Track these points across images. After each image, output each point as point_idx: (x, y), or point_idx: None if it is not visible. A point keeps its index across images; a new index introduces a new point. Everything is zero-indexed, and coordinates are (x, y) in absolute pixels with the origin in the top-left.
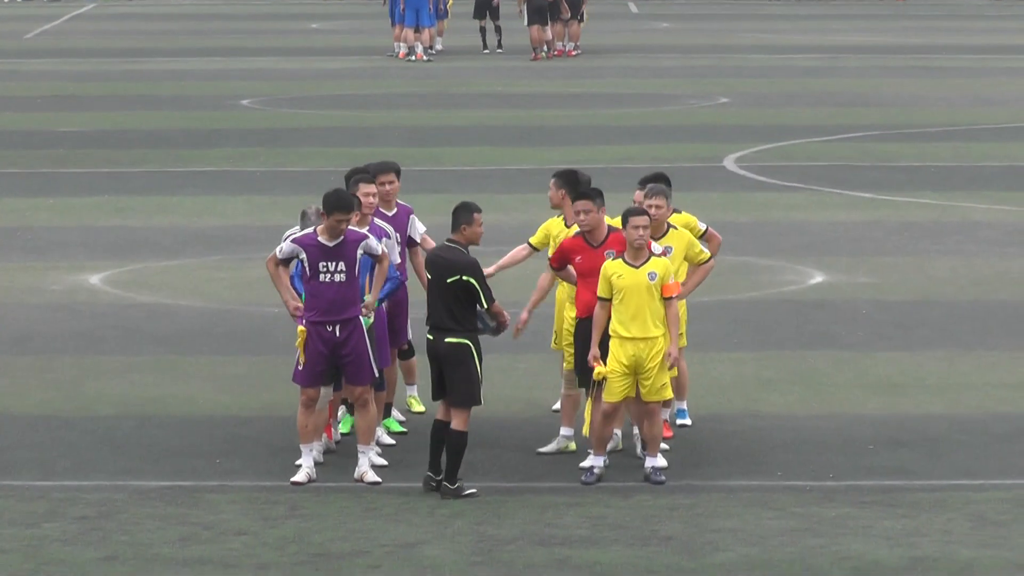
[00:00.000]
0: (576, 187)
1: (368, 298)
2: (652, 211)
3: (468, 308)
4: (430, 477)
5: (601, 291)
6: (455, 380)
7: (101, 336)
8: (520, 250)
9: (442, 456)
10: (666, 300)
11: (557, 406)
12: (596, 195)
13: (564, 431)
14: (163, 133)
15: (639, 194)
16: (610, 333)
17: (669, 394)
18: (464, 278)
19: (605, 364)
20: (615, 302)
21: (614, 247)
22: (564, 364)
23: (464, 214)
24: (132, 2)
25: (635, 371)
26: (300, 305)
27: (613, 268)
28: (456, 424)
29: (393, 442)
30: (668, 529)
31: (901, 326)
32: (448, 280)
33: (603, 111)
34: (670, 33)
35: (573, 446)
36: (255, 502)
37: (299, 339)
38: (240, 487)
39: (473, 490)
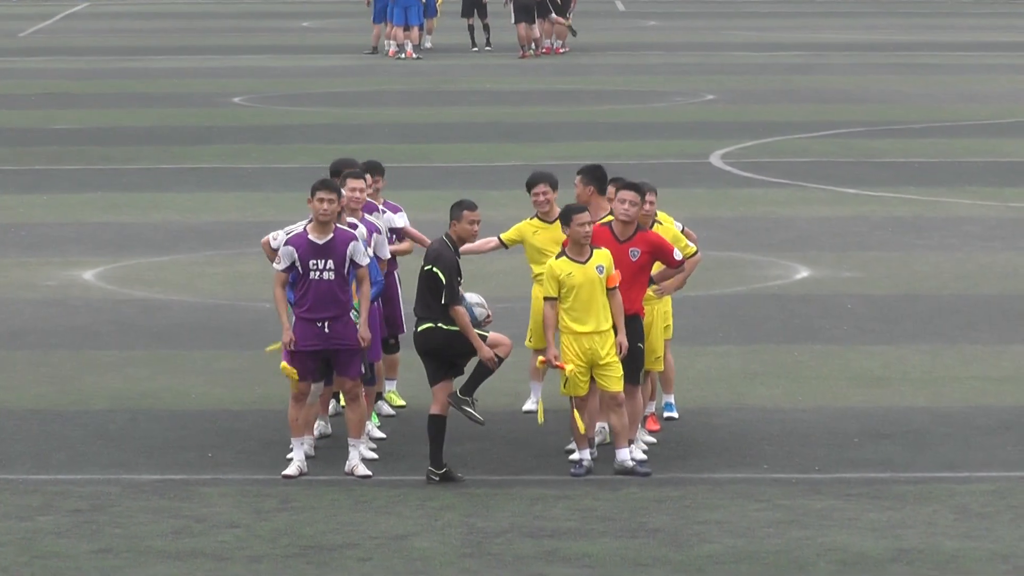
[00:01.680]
0: (604, 182)
1: (361, 328)
2: (647, 207)
3: (432, 297)
4: (432, 472)
5: (550, 291)
6: (451, 357)
7: (95, 331)
8: (488, 241)
9: (443, 450)
10: (609, 291)
11: (527, 407)
12: (639, 190)
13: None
14: (156, 130)
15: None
16: (562, 330)
17: (620, 386)
18: (433, 269)
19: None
20: (568, 301)
21: (639, 246)
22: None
23: (455, 211)
24: (125, 1)
25: (591, 365)
26: (294, 339)
27: (561, 267)
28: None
29: (384, 435)
30: (656, 521)
31: (885, 320)
32: (423, 267)
33: (590, 108)
34: (657, 31)
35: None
36: (247, 495)
37: (287, 373)
38: (232, 480)
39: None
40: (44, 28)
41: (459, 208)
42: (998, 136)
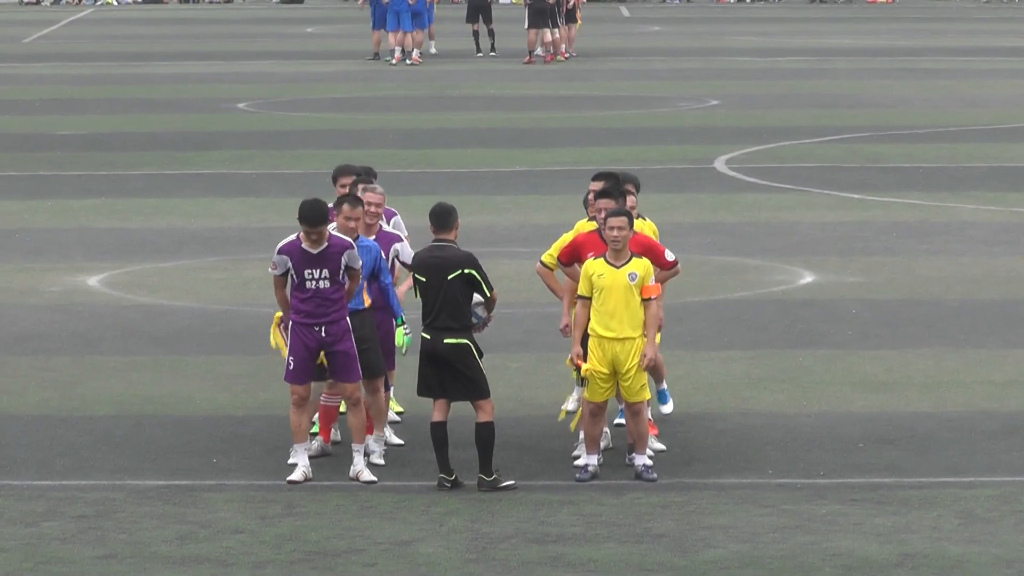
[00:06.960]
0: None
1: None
2: (630, 201)
3: (466, 304)
4: (444, 478)
5: (582, 289)
6: (463, 378)
7: (99, 336)
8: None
9: (449, 456)
10: (645, 301)
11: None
12: (620, 195)
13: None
14: (160, 136)
15: (594, 184)
16: (589, 332)
17: (647, 395)
18: (466, 271)
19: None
20: (595, 302)
21: (631, 248)
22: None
23: (455, 215)
24: (130, 7)
25: (614, 372)
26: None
27: (594, 267)
28: (482, 417)
29: (402, 442)
30: (660, 526)
31: (889, 325)
32: (449, 276)
33: (594, 113)
34: (661, 36)
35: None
36: (252, 501)
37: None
38: (237, 486)
39: (511, 481)
40: (49, 34)
41: (455, 212)
42: (1001, 141)
